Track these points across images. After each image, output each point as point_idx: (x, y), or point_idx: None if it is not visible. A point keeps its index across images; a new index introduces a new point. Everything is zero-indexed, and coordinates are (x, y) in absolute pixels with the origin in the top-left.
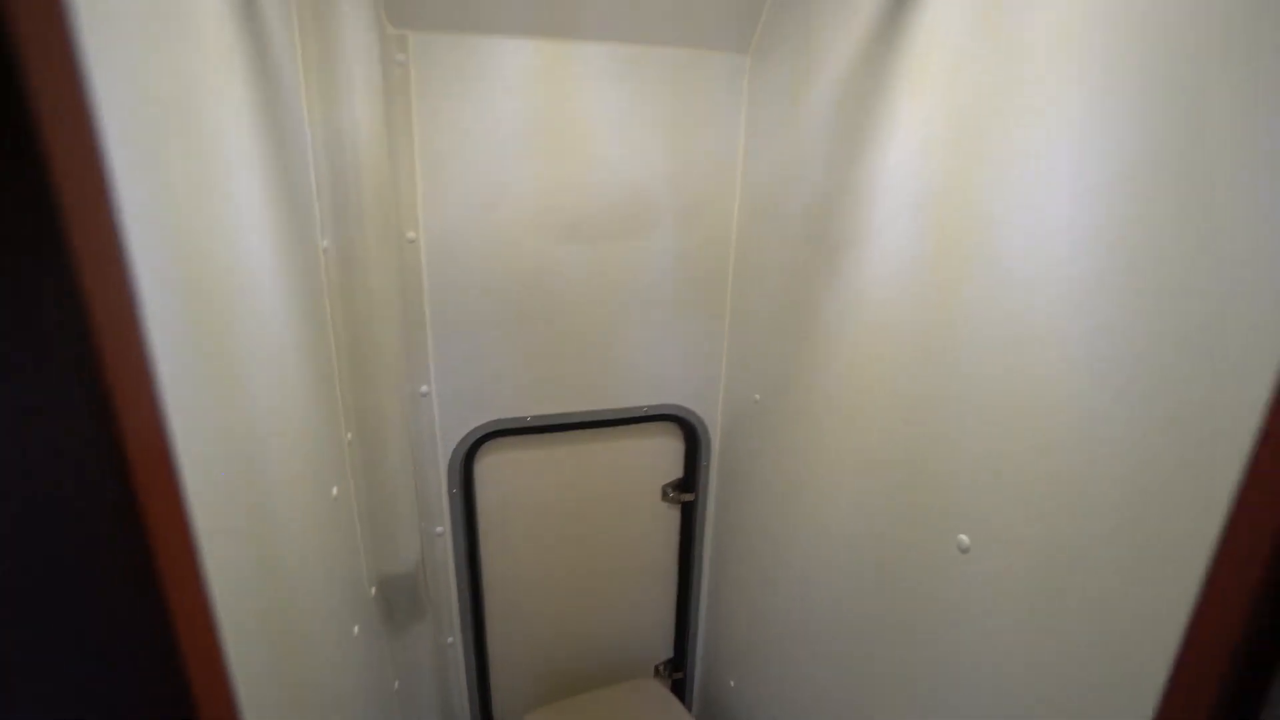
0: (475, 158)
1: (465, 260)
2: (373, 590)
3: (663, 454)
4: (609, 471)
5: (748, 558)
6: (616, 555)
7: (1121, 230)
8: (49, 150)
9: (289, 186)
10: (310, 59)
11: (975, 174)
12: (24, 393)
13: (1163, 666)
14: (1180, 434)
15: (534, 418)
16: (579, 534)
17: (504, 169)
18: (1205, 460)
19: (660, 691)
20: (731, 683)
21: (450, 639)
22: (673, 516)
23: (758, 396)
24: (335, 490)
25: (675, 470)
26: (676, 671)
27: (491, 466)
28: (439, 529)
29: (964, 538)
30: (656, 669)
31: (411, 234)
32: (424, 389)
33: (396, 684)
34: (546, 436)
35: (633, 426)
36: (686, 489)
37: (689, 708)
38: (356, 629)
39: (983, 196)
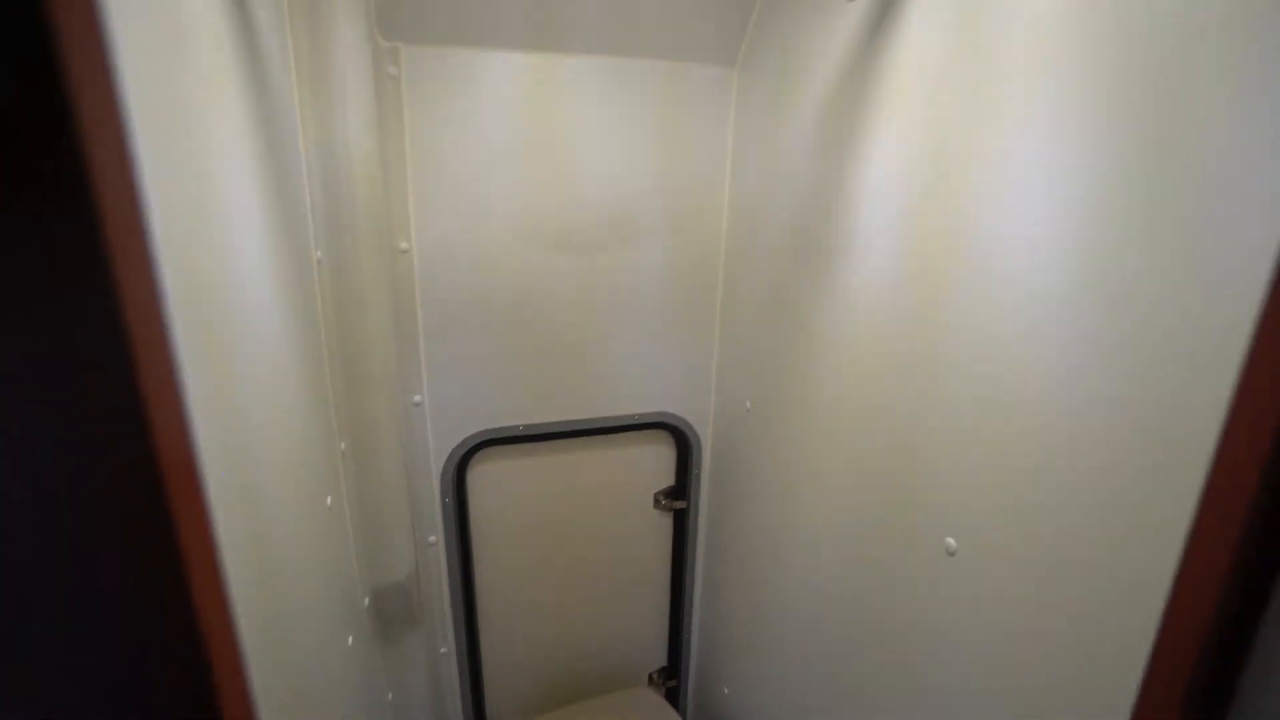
0: (467, 169)
1: (457, 270)
2: (366, 600)
3: (654, 462)
4: (601, 480)
5: (740, 564)
6: (609, 563)
7: (1093, 242)
8: (95, 182)
9: (284, 199)
10: (304, 72)
11: (954, 188)
12: (67, 406)
13: (1140, 663)
14: (1151, 437)
15: (526, 427)
16: (572, 542)
17: (495, 180)
18: (1175, 461)
19: (655, 700)
20: (725, 690)
21: (444, 649)
22: (665, 524)
23: (748, 404)
24: (330, 500)
25: (667, 478)
26: (670, 679)
27: (484, 476)
28: (432, 538)
29: (951, 540)
30: (650, 677)
31: (404, 244)
32: (417, 398)
33: (390, 695)
34: (539, 445)
35: (624, 435)
36: (678, 496)
37: (683, 716)
38: (351, 640)
39: (962, 210)
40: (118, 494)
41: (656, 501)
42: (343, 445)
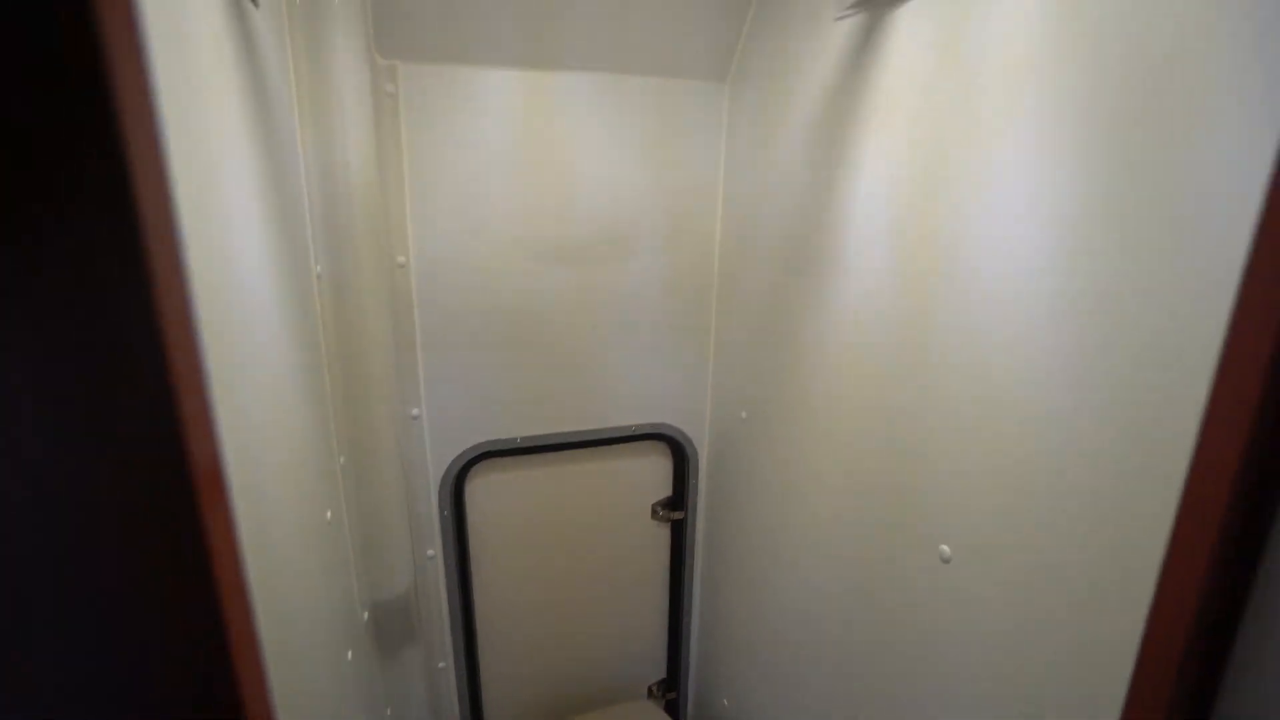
0: (463, 184)
1: (454, 284)
2: (365, 615)
3: (652, 473)
4: (599, 491)
5: (738, 574)
6: (608, 575)
7: (1075, 250)
8: (136, 192)
9: (284, 215)
10: (304, 90)
11: (941, 202)
12: (105, 416)
13: (1129, 663)
14: (1135, 441)
15: (524, 439)
16: (570, 554)
17: (491, 194)
18: (1158, 463)
19: (655, 713)
20: (725, 701)
21: (442, 663)
22: (663, 535)
23: (744, 414)
24: (329, 514)
25: (664, 488)
26: (670, 692)
27: (482, 488)
28: (430, 552)
29: (945, 548)
30: (650, 690)
31: (402, 258)
32: (415, 412)
33: (389, 711)
34: (536, 457)
35: (621, 446)
36: (676, 507)
37: None
38: (350, 654)
39: (949, 223)
40: (153, 503)
41: (654, 512)
42: (342, 459)
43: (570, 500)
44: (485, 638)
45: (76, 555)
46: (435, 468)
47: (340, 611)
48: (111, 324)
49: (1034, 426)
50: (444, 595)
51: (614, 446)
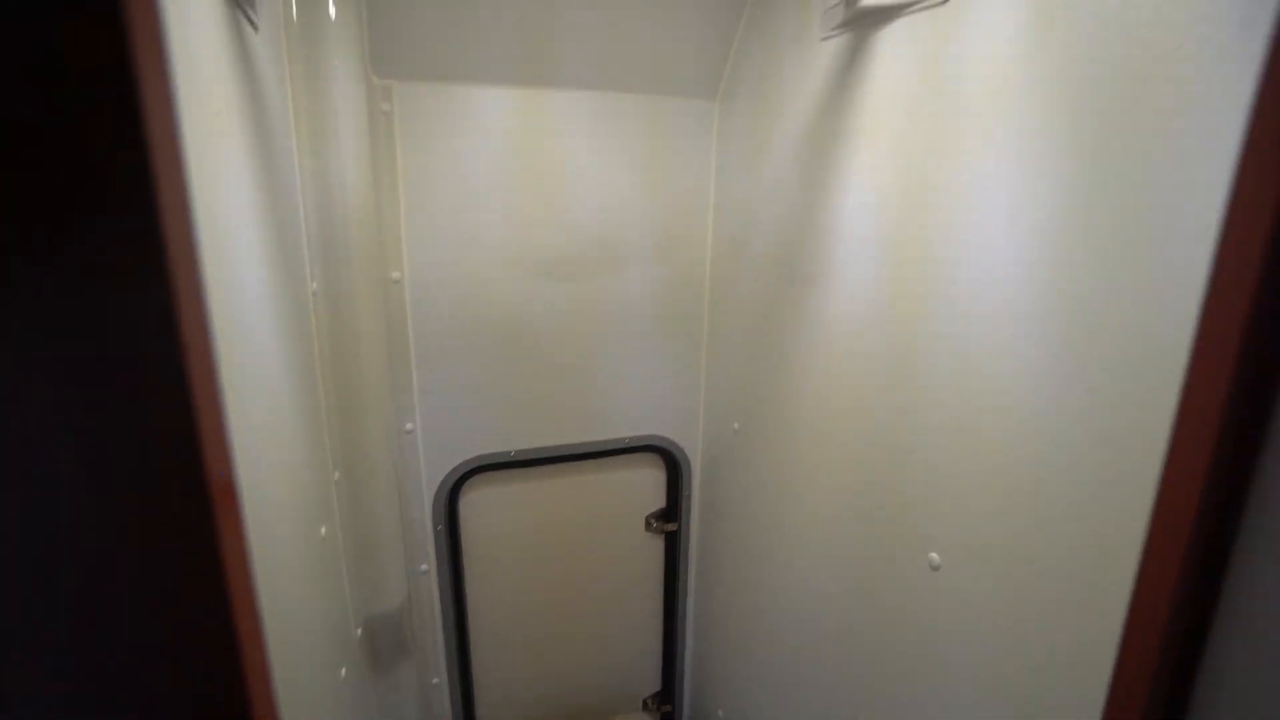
0: (457, 200)
1: (449, 299)
2: (359, 631)
3: (645, 484)
4: (593, 503)
5: (731, 585)
6: (602, 588)
7: (1053, 263)
8: (163, 222)
9: (281, 234)
10: (300, 109)
11: (926, 215)
12: (129, 435)
13: (1109, 663)
14: (1113, 450)
15: (517, 452)
16: (564, 567)
17: (485, 210)
18: (1135, 471)
19: None
20: (720, 713)
21: (435, 679)
22: (656, 546)
23: (736, 425)
24: (324, 530)
25: (658, 500)
26: (665, 704)
27: (476, 502)
28: (424, 567)
29: (934, 556)
30: (645, 702)
31: (396, 274)
32: (409, 426)
33: None
34: (530, 470)
35: (615, 458)
36: (669, 518)
37: None
38: (344, 671)
39: (934, 236)
40: (172, 516)
41: (648, 524)
42: (336, 475)
43: (564, 514)
44: (479, 653)
45: (99, 564)
46: (429, 482)
47: (334, 628)
48: (137, 346)
49: (1018, 434)
50: (438, 610)
51: (607, 459)
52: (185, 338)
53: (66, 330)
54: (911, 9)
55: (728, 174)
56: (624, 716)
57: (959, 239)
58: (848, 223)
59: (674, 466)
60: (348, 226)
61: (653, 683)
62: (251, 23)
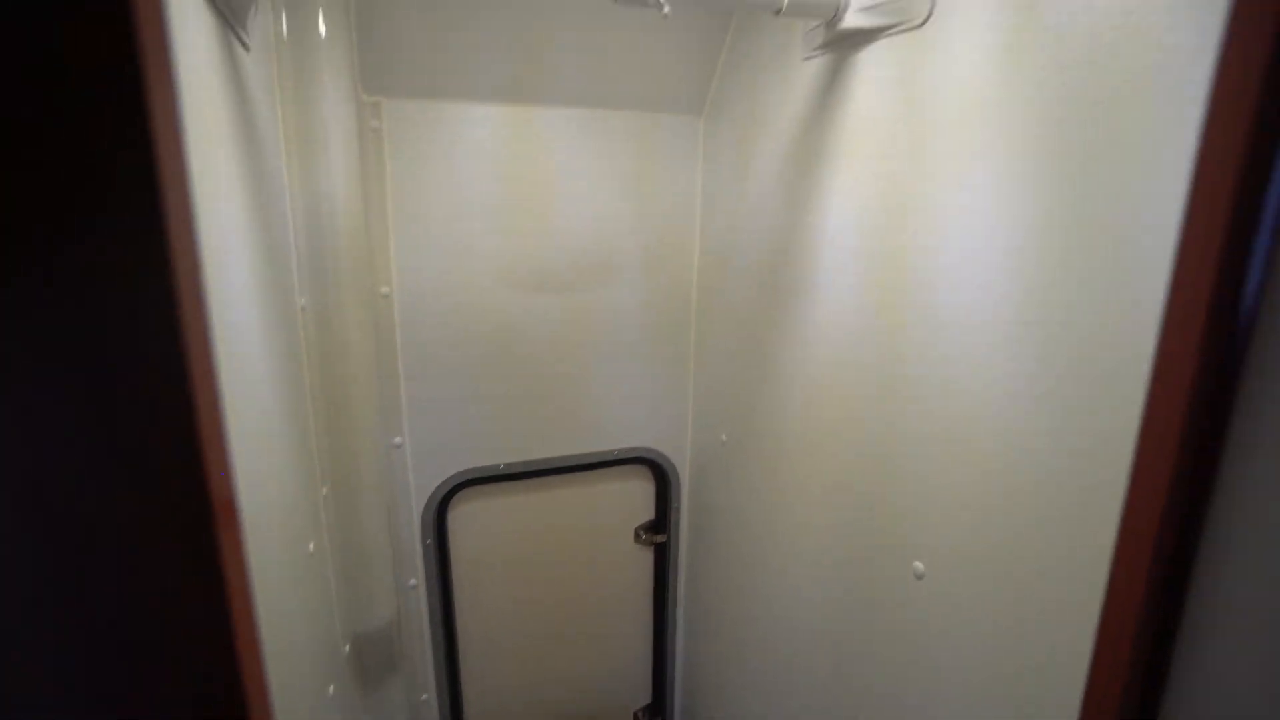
0: (446, 215)
1: (437, 313)
2: (346, 648)
3: (634, 496)
4: (582, 516)
5: (721, 595)
6: (591, 600)
7: (1024, 278)
8: (170, 235)
9: (271, 251)
10: (290, 126)
11: (906, 232)
12: (134, 448)
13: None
14: (1086, 463)
15: (506, 465)
16: (553, 581)
17: (474, 225)
18: (1105, 482)
19: None
20: None
21: (425, 695)
22: (646, 558)
23: (724, 436)
24: (312, 546)
25: (646, 512)
26: (656, 716)
27: (465, 516)
28: (412, 581)
29: (919, 565)
30: (636, 715)
31: (385, 288)
32: (397, 440)
33: None
34: (519, 484)
35: (604, 470)
36: (658, 530)
37: None
38: (332, 689)
39: (914, 252)
40: (175, 528)
41: (637, 536)
42: (324, 490)
43: (553, 527)
44: (468, 668)
45: (99, 565)
46: (418, 496)
47: (322, 645)
48: (140, 347)
49: (996, 445)
50: (426, 625)
51: (596, 471)
52: (187, 339)
53: (69, 331)
54: (890, 32)
55: (714, 188)
56: None
57: (937, 255)
58: (830, 237)
59: (663, 478)
60: (337, 242)
61: (644, 695)
62: (243, 44)
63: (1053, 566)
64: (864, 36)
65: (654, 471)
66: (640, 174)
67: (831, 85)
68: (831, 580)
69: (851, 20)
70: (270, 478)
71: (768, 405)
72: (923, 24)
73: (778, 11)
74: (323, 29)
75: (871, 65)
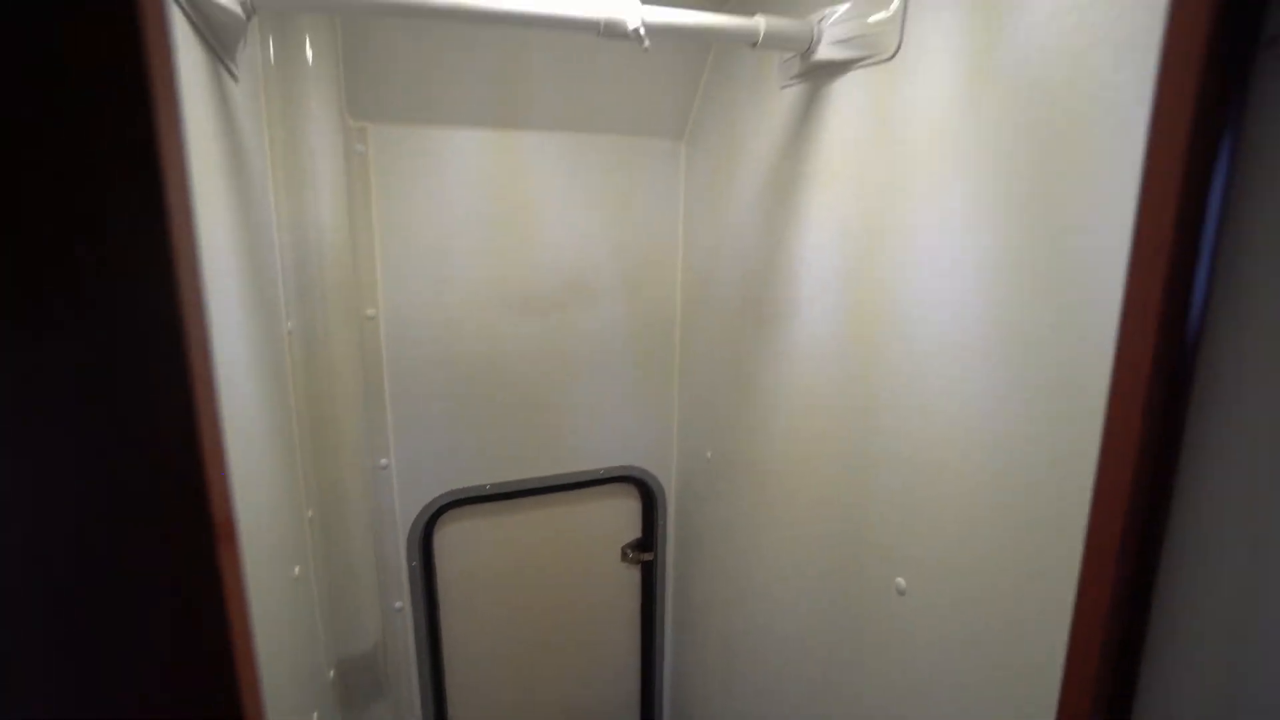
0: (431, 238)
1: (423, 335)
2: (331, 673)
3: (621, 515)
4: (569, 535)
5: (709, 612)
6: (579, 620)
7: (992, 304)
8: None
9: (258, 275)
10: (278, 154)
11: (881, 256)
12: (138, 475)
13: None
14: (1058, 478)
15: (492, 485)
16: (541, 601)
17: (459, 248)
18: (1076, 495)
19: None
20: None
21: None
22: (633, 577)
23: (709, 454)
24: (297, 569)
25: (633, 530)
26: None
27: (451, 536)
28: (398, 604)
29: (901, 581)
30: None
31: (371, 311)
32: (383, 461)
33: None
34: (505, 504)
35: (591, 489)
36: (645, 548)
37: None
38: (316, 716)
39: (889, 276)
40: (178, 559)
41: (624, 555)
42: (310, 513)
43: (539, 547)
44: (455, 691)
45: (99, 564)
46: (404, 517)
47: (306, 671)
48: (143, 349)
49: (969, 463)
50: (412, 648)
51: (583, 490)
52: (189, 342)
53: (71, 331)
54: (861, 64)
55: (695, 211)
56: None
57: (910, 278)
58: (809, 261)
59: (649, 496)
60: (323, 265)
61: (632, 714)
62: (232, 75)
63: (1027, 581)
64: (837, 68)
65: (640, 490)
66: (624, 197)
67: (808, 113)
68: (817, 594)
69: (824, 53)
70: (257, 502)
71: (751, 423)
72: (891, 57)
73: (754, 44)
74: (310, 56)
75: (845, 94)
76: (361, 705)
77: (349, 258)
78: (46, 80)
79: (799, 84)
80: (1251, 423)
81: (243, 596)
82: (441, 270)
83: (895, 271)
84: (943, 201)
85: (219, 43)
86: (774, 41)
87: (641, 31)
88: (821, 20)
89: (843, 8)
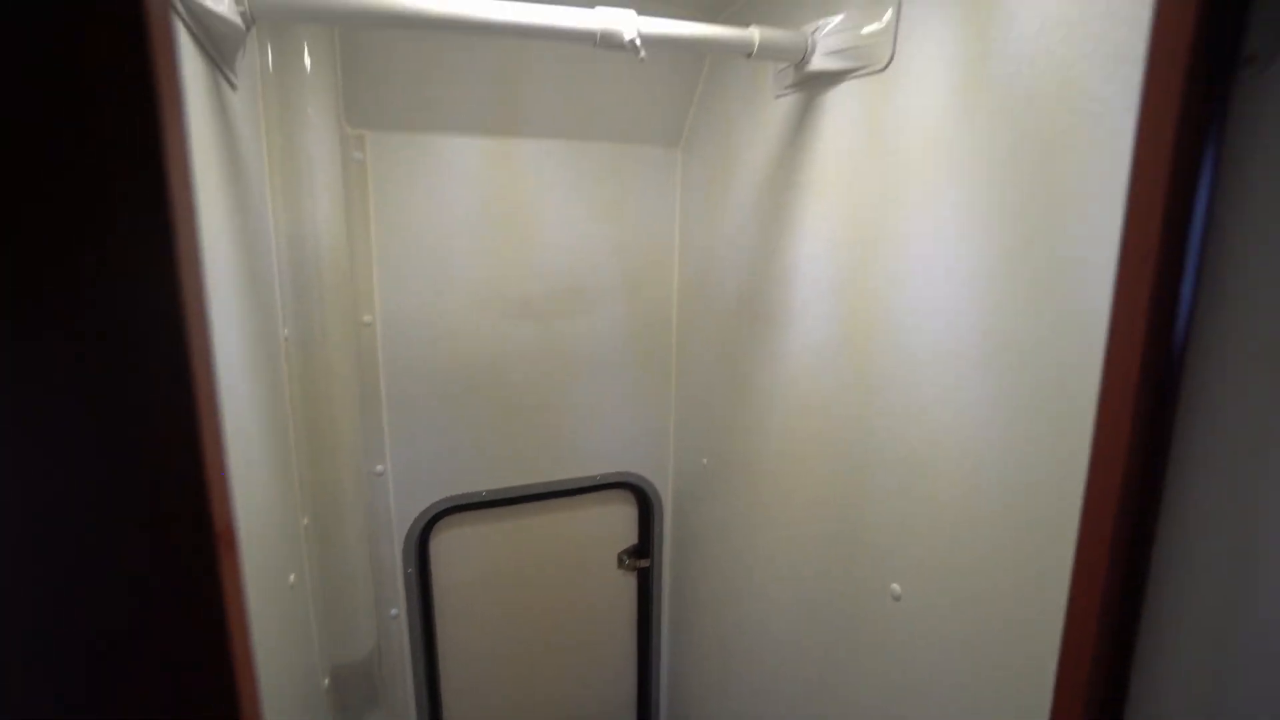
0: (429, 244)
1: (420, 341)
2: (326, 682)
3: (617, 521)
4: (565, 542)
5: (706, 618)
6: (576, 628)
7: (985, 313)
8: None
9: (255, 282)
10: (275, 161)
11: (875, 263)
12: (140, 487)
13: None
14: (1051, 482)
15: (489, 492)
16: (537, 608)
17: (456, 254)
18: (1068, 500)
19: None
20: None
21: None
22: (629, 583)
23: (705, 460)
24: (292, 578)
25: (629, 537)
26: None
27: (447, 543)
28: (394, 611)
29: (896, 586)
30: None
31: (368, 317)
32: (379, 468)
33: None
34: (501, 510)
35: (587, 496)
36: (642, 555)
37: None
38: None
39: (882, 283)
40: (181, 564)
41: (620, 561)
42: (305, 520)
43: (536, 553)
44: (451, 699)
45: (98, 564)
46: (400, 524)
47: (301, 680)
48: (145, 350)
49: (961, 470)
50: (408, 656)
51: (579, 496)
52: (191, 345)
53: (73, 332)
54: (855, 74)
55: (691, 218)
56: None
57: (904, 286)
58: (804, 267)
59: (645, 502)
60: (320, 272)
61: (629, 715)
62: (230, 83)
63: (1020, 584)
64: (831, 78)
65: (636, 496)
66: (620, 204)
67: (802, 122)
68: (814, 599)
69: (818, 63)
70: (253, 508)
71: (747, 429)
72: (884, 68)
73: (749, 55)
74: (308, 63)
75: (839, 104)
76: (356, 713)
77: (346, 265)
78: (53, 81)
79: (793, 94)
80: (1235, 431)
81: (242, 603)
82: (438, 277)
83: (888, 279)
84: (935, 210)
85: (218, 52)
86: (769, 52)
87: (638, 42)
88: (815, 31)
89: (836, 19)
